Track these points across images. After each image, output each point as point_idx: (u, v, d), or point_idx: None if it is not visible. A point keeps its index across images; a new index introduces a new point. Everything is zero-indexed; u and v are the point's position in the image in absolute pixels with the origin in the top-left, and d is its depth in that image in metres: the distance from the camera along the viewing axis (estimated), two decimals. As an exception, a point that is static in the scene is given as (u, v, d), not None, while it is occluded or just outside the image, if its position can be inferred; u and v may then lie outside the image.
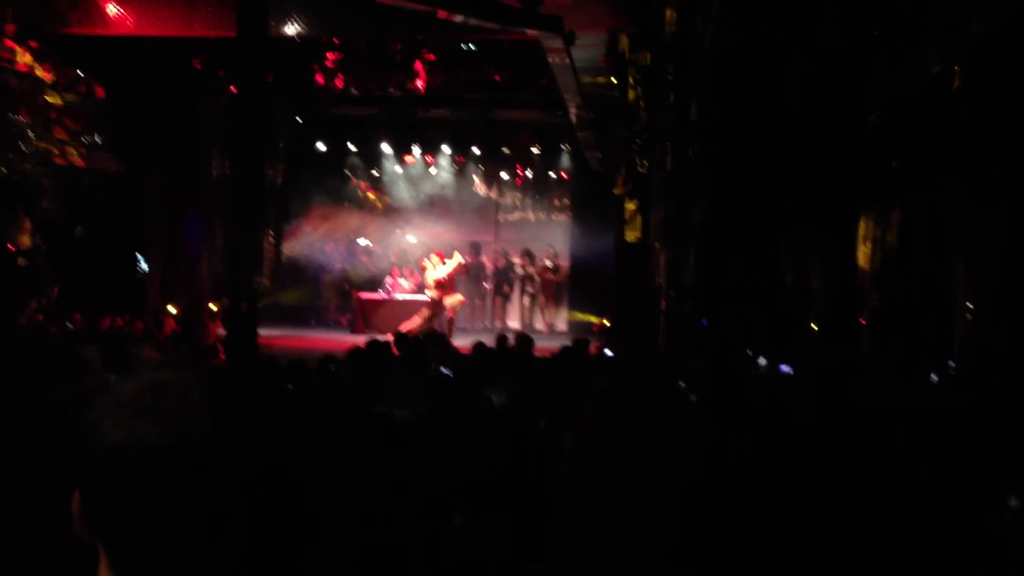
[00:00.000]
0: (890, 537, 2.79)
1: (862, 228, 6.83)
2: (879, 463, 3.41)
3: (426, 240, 19.16)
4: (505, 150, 19.81)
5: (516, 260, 19.26)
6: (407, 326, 14.82)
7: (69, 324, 11.18)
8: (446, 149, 19.82)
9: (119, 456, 1.15)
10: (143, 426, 1.15)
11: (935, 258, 6.08)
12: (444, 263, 15.82)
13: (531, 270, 19.04)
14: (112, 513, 1.16)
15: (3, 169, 11.15)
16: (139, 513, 1.15)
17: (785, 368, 6.47)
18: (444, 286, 15.72)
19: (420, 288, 17.16)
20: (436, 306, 15.71)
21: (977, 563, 2.80)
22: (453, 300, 15.89)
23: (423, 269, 16.24)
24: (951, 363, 5.58)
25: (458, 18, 10.97)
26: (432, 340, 9.40)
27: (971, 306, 5.42)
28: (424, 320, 15.63)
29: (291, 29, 12.05)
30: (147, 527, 1.15)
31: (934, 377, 5.61)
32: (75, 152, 12.16)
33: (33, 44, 11.63)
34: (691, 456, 1.41)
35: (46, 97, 11.82)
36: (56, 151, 11.90)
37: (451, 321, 15.99)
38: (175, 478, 1.15)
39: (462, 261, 16.10)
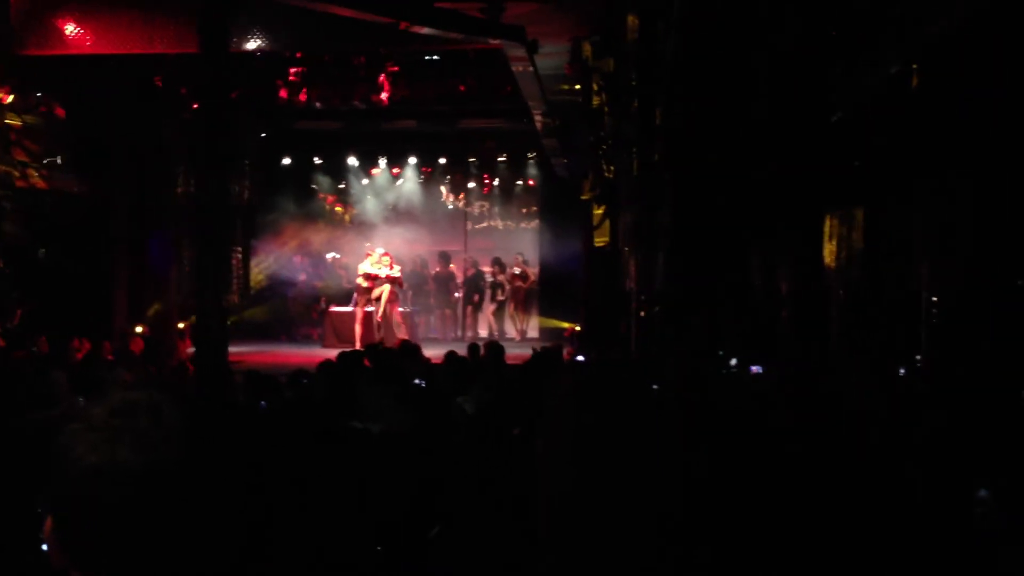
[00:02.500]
0: (865, 534, 2.81)
1: (828, 227, 6.90)
2: (852, 462, 3.44)
3: (396, 251, 19.12)
4: (472, 159, 19.84)
5: (486, 269, 19.26)
6: (363, 335, 15.07)
7: (35, 348, 11.04)
8: (412, 160, 19.82)
9: (93, 480, 1.14)
10: (117, 449, 1.14)
11: (901, 256, 6.15)
12: (391, 267, 16.28)
13: (501, 278, 19.04)
14: (88, 537, 1.15)
15: (-37, 193, 11.02)
16: (115, 536, 1.14)
17: (756, 368, 6.51)
18: (370, 279, 16.15)
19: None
20: (367, 298, 15.94)
21: (954, 558, 2.83)
22: (379, 291, 16.10)
23: (366, 256, 16.53)
24: (918, 358, 5.64)
25: (421, 30, 10.97)
26: (405, 351, 9.38)
27: (936, 302, 5.48)
28: (366, 322, 15.84)
29: (253, 44, 11.99)
30: (123, 550, 1.14)
31: (901, 371, 5.67)
32: (36, 174, 12.02)
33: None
34: (663, 460, 1.42)
35: (5, 119, 11.67)
36: (17, 173, 11.76)
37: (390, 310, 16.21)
38: (150, 500, 1.14)
39: (398, 277, 16.32)
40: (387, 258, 16.45)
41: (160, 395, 1.22)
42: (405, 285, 17.23)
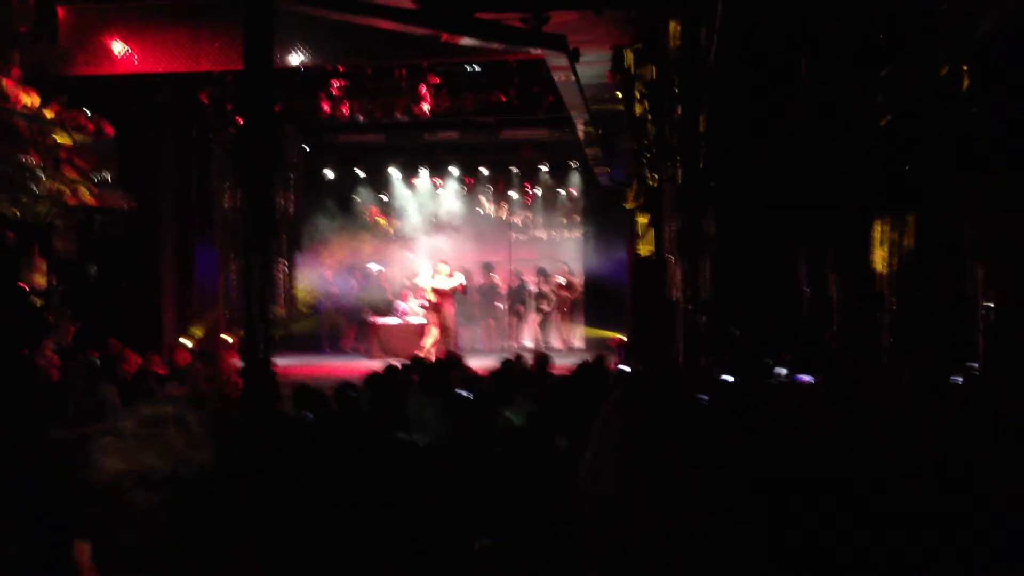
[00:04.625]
0: (916, 545, 2.74)
1: (878, 232, 6.79)
2: (904, 471, 3.36)
3: (437, 264, 19.18)
4: (514, 169, 19.84)
5: (530, 279, 19.23)
6: (420, 350, 14.98)
7: (95, 360, 11.19)
8: (454, 171, 19.86)
9: (120, 485, 1.14)
10: (143, 456, 1.15)
11: (953, 260, 6.03)
12: (451, 276, 16.30)
13: (545, 288, 19.00)
14: (119, 551, 1.15)
15: (16, 211, 11.20)
16: (146, 547, 1.13)
17: (805, 378, 6.41)
18: (443, 296, 16.10)
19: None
20: (440, 317, 15.94)
21: (1005, 568, 2.75)
22: (447, 312, 16.11)
23: (434, 272, 16.57)
24: (974, 365, 5.51)
25: (462, 41, 11.00)
26: (450, 363, 9.37)
27: (992, 307, 5.36)
28: (434, 338, 15.84)
29: (296, 59, 12.10)
30: (155, 560, 1.13)
31: (958, 380, 5.54)
32: (86, 191, 12.21)
33: (39, 86, 11.72)
34: (709, 471, 1.38)
35: (55, 137, 11.88)
36: (68, 191, 11.95)
37: (454, 331, 16.23)
38: (179, 508, 1.14)
39: (464, 283, 16.32)
40: (444, 266, 16.51)
41: (188, 407, 1.22)
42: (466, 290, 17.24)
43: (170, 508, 1.13)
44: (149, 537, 1.13)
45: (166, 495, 1.13)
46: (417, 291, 17.40)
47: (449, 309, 16.27)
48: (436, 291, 16.12)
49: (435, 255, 19.26)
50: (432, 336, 16.04)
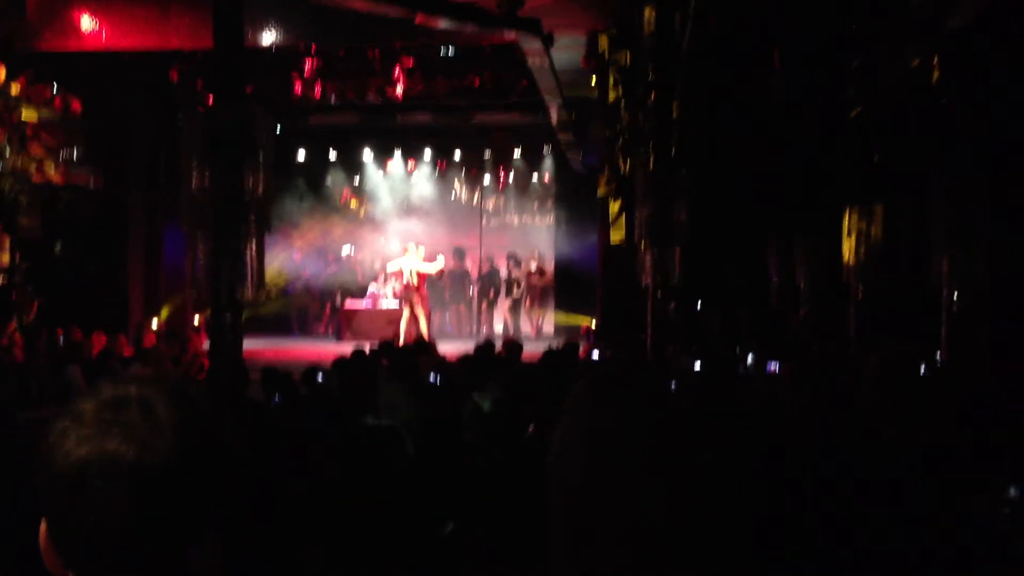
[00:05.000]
0: (885, 534, 2.77)
1: (847, 223, 6.84)
2: (871, 461, 3.39)
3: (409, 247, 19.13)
4: (487, 154, 19.79)
5: (501, 264, 19.22)
6: (397, 333, 15.03)
7: (59, 341, 11.07)
8: (427, 154, 19.78)
9: (83, 472, 1.11)
10: (106, 441, 1.12)
11: (920, 251, 6.09)
12: (432, 259, 16.49)
13: (517, 274, 19.00)
14: (81, 535, 1.12)
15: (-20, 187, 11.05)
16: (109, 533, 1.11)
17: (773, 366, 6.46)
18: (422, 279, 16.28)
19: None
20: (418, 301, 15.95)
21: (974, 556, 2.78)
22: (424, 296, 16.22)
23: (404, 252, 16.57)
24: (939, 356, 5.58)
25: (436, 23, 10.93)
26: (419, 347, 9.35)
27: (957, 298, 5.42)
28: (413, 322, 15.84)
29: (268, 39, 11.98)
30: (118, 548, 1.11)
31: (923, 370, 5.60)
32: (53, 168, 12.05)
33: (6, 61, 11.53)
34: (677, 459, 1.38)
35: (22, 114, 11.70)
36: (33, 168, 11.78)
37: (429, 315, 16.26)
38: (142, 493, 1.11)
39: (442, 268, 16.42)
40: (421, 248, 16.58)
41: (151, 389, 1.18)
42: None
43: (133, 495, 1.11)
44: (111, 523, 1.11)
45: (129, 482, 1.11)
46: (394, 275, 17.31)
47: (425, 293, 16.32)
48: (419, 274, 16.11)
49: (407, 239, 19.21)
50: (408, 320, 16.04)
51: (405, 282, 16.22)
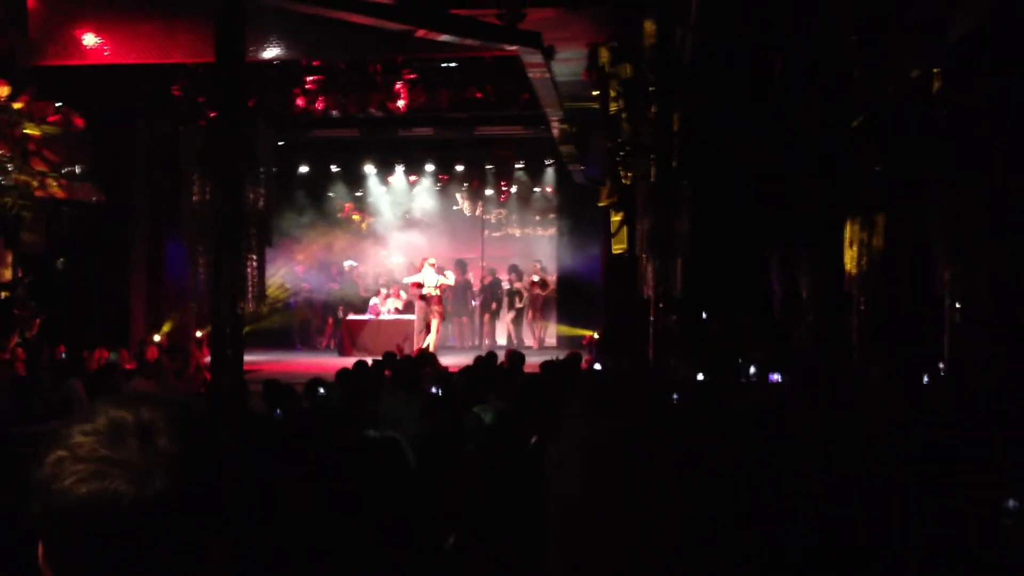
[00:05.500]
0: (886, 542, 2.76)
1: (848, 233, 6.83)
2: (873, 471, 3.38)
3: (413, 260, 19.12)
4: (489, 167, 19.81)
5: (503, 276, 19.22)
6: (419, 344, 15.16)
7: (62, 356, 11.08)
8: (429, 168, 19.80)
9: (84, 511, 1.09)
10: (107, 482, 1.09)
11: (921, 260, 6.08)
12: (444, 275, 16.67)
13: (519, 286, 18.99)
14: (79, 563, 1.11)
15: (-18, 203, 11.07)
16: (108, 560, 1.10)
17: (775, 377, 6.45)
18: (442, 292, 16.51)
19: (407, 307, 17.57)
20: (435, 314, 16.10)
21: (975, 565, 2.77)
22: (440, 310, 16.35)
23: (421, 267, 16.72)
24: (941, 365, 5.57)
25: (438, 37, 10.96)
26: (423, 359, 9.35)
27: (959, 308, 5.41)
28: (434, 331, 15.97)
29: (270, 53, 12.02)
30: (115, 573, 1.11)
31: (925, 379, 5.59)
32: (55, 183, 12.07)
33: (8, 77, 11.57)
34: (678, 467, 1.38)
35: (24, 129, 11.73)
36: (36, 183, 11.81)
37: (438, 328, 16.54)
38: (143, 525, 1.10)
39: (450, 282, 16.59)
40: (433, 263, 16.77)
41: (152, 412, 1.15)
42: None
43: (131, 527, 1.10)
44: (109, 553, 1.10)
45: (127, 517, 1.09)
46: (410, 289, 17.37)
47: (442, 307, 16.55)
48: (440, 287, 16.41)
49: (409, 252, 19.22)
50: (423, 333, 16.19)
51: (425, 295, 16.37)
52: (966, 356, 5.29)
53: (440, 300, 16.46)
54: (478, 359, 8.83)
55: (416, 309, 16.82)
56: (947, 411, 4.37)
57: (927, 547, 2.79)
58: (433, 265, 16.60)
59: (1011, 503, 2.86)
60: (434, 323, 16.28)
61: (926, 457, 3.50)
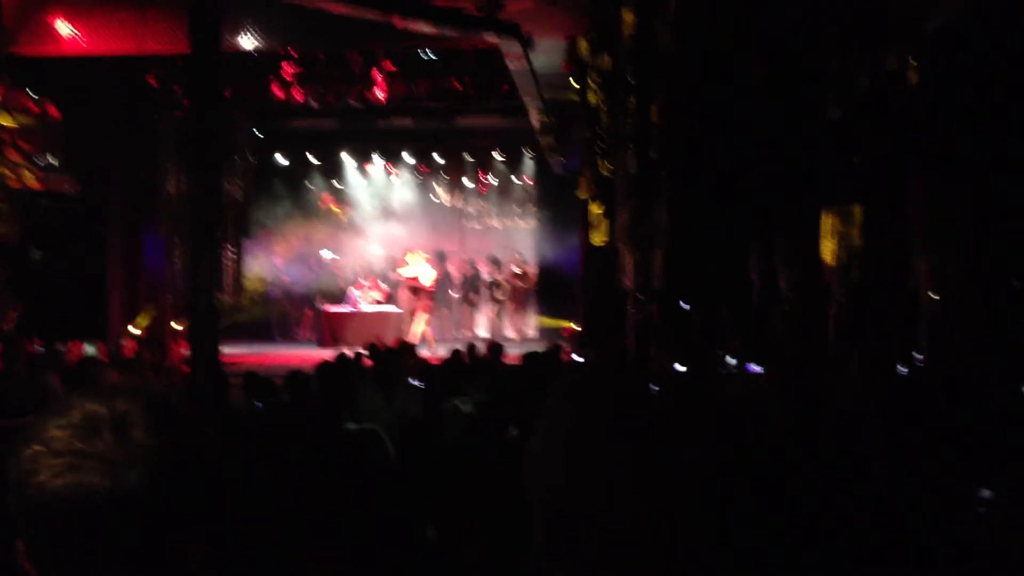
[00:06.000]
0: (863, 535, 2.78)
1: (826, 224, 6.87)
2: (850, 461, 3.40)
3: (392, 252, 19.08)
4: (468, 157, 19.77)
5: (483, 268, 19.20)
6: (413, 336, 15.22)
7: (40, 348, 10.98)
8: (408, 158, 19.75)
9: (59, 505, 1.09)
10: (82, 476, 1.09)
11: (899, 252, 6.12)
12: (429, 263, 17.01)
13: (498, 277, 18.98)
14: (58, 558, 1.11)
15: (-43, 194, 10.95)
16: (87, 555, 1.10)
17: (754, 367, 6.48)
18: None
19: (388, 298, 17.56)
20: (424, 306, 16.20)
21: (949, 557, 2.80)
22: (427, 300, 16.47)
23: (404, 265, 16.87)
24: (918, 356, 5.61)
25: (417, 26, 10.92)
26: (403, 351, 9.34)
27: (936, 298, 5.45)
28: (423, 323, 16.17)
29: (247, 43, 11.94)
30: (96, 568, 1.10)
31: (902, 370, 5.64)
32: (30, 175, 11.96)
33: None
34: (658, 460, 1.38)
35: (-2, 119, 11.63)
36: (10, 174, 11.69)
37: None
38: (121, 519, 1.10)
39: (435, 275, 16.68)
40: (421, 254, 17.06)
41: (128, 405, 1.15)
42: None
43: (109, 520, 1.10)
44: (88, 547, 1.10)
45: (104, 510, 1.09)
46: (405, 283, 17.37)
47: (431, 300, 16.71)
48: (433, 279, 16.70)
49: (387, 243, 19.18)
50: (420, 325, 16.21)
51: (420, 288, 16.51)
52: (942, 347, 5.33)
53: (431, 294, 16.58)
54: (457, 351, 8.83)
55: (400, 301, 16.83)
56: (923, 402, 4.41)
57: (902, 536, 2.81)
58: (428, 259, 16.75)
59: (985, 493, 2.89)
60: (421, 315, 16.35)
61: (902, 447, 3.53)
